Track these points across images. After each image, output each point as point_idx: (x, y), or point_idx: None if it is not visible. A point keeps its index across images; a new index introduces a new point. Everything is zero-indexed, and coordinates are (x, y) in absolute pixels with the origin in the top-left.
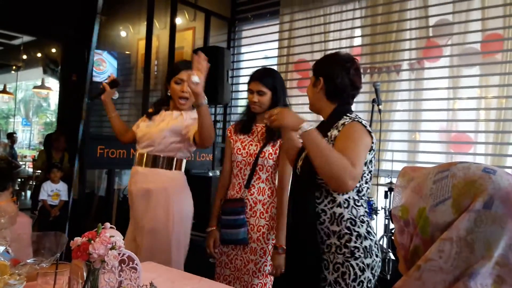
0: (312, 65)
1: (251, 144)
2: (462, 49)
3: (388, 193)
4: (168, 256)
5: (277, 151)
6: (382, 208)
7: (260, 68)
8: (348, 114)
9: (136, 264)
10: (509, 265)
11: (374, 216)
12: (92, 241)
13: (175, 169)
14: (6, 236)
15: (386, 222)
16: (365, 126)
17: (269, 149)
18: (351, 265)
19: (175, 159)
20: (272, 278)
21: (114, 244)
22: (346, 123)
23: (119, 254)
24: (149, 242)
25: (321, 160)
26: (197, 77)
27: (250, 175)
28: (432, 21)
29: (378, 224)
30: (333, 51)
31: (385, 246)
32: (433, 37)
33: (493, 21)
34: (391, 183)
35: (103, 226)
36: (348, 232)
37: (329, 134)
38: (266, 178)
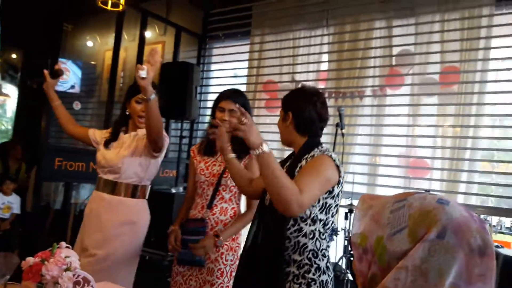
0: (279, 89)
1: (215, 165)
2: (422, 78)
3: (348, 214)
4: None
5: None
6: (342, 229)
7: (229, 88)
8: (319, 147)
9: (92, 286)
10: None
11: (334, 237)
12: (46, 262)
13: (138, 197)
14: None
15: (346, 243)
16: (334, 160)
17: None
18: None
19: (139, 186)
20: None
21: (69, 265)
22: (315, 155)
23: (74, 275)
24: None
25: (271, 182)
26: (144, 72)
27: (213, 195)
28: (395, 50)
29: (338, 245)
30: (300, 85)
31: (343, 266)
32: (396, 66)
33: (451, 54)
34: (351, 204)
35: (58, 246)
36: (309, 263)
37: (299, 164)
38: (229, 198)
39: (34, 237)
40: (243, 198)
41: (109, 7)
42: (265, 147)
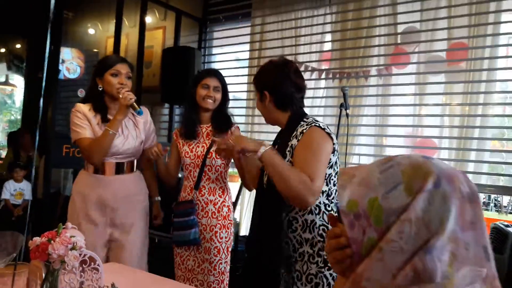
0: (254, 81)
1: (198, 146)
2: (428, 56)
3: None
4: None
5: None
6: None
7: (208, 68)
8: (304, 119)
9: (98, 265)
10: (457, 240)
11: None
12: (52, 241)
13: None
14: None
15: None
16: (324, 129)
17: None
18: (325, 276)
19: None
20: (228, 275)
21: (74, 244)
22: (305, 130)
23: (80, 254)
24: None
25: (280, 180)
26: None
27: (199, 177)
28: (400, 28)
29: None
30: (269, 59)
31: None
32: (401, 44)
33: (458, 30)
34: None
35: (64, 226)
36: (321, 239)
37: (289, 143)
38: (216, 178)
39: (45, 222)
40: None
41: None
42: (262, 148)
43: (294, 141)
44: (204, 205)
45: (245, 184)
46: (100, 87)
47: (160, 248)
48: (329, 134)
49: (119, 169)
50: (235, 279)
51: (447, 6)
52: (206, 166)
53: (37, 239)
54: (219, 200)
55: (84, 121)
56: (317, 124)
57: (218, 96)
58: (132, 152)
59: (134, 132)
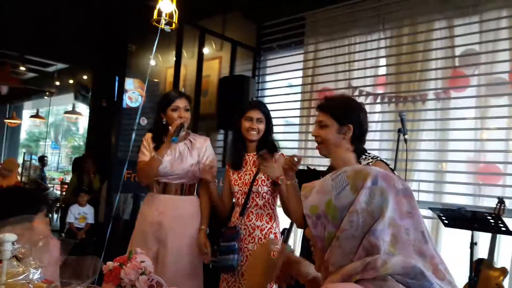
0: (328, 108)
1: (246, 174)
2: (489, 78)
3: None
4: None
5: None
6: None
7: (255, 99)
8: (366, 154)
9: None
10: (397, 226)
11: None
12: (124, 266)
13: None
14: (43, 259)
15: None
16: (388, 165)
17: (261, 176)
18: None
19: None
20: None
21: (144, 269)
22: (370, 163)
23: (148, 279)
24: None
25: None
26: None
27: (245, 203)
28: (458, 50)
29: None
30: (347, 95)
31: None
32: (460, 67)
33: None
34: None
35: (134, 252)
36: None
37: None
38: (263, 204)
39: (106, 245)
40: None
41: (162, 26)
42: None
43: None
44: (251, 230)
45: (286, 214)
46: (164, 121)
47: (209, 274)
48: (392, 170)
49: (167, 189)
50: None
51: (508, 27)
52: (253, 192)
53: (110, 264)
54: (266, 227)
55: (147, 148)
56: (382, 159)
57: (262, 126)
58: (180, 174)
59: (186, 156)
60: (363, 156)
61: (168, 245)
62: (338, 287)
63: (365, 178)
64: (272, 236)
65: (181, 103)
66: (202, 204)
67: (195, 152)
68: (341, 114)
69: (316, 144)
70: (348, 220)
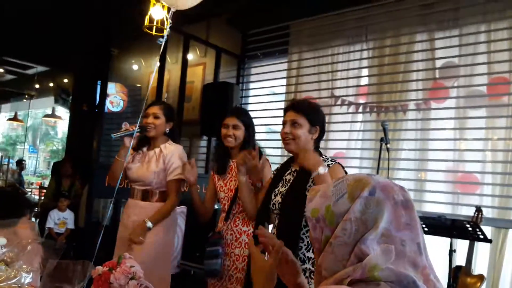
0: (302, 110)
1: (231, 180)
2: (468, 91)
3: None
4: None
5: None
6: None
7: (235, 106)
8: (323, 156)
9: None
10: (391, 236)
11: None
12: (113, 271)
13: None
14: (33, 263)
15: None
16: (343, 168)
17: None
18: None
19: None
20: None
21: (134, 274)
22: (330, 165)
23: (138, 284)
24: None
25: None
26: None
27: (230, 208)
28: (438, 63)
29: None
30: (316, 99)
31: None
32: (440, 79)
33: (499, 65)
34: None
35: (123, 256)
36: None
37: (310, 180)
38: None
39: (86, 251)
40: None
41: (153, 32)
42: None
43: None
44: (238, 235)
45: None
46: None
47: (195, 280)
48: (346, 173)
49: (134, 194)
50: None
51: (486, 41)
52: (238, 198)
53: (99, 268)
54: (252, 231)
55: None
56: (339, 162)
57: (238, 133)
58: (144, 181)
59: (152, 163)
60: (321, 158)
61: (134, 249)
62: None
63: (363, 188)
64: None
65: (151, 109)
66: (159, 206)
67: (161, 160)
68: (312, 116)
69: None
70: (341, 227)
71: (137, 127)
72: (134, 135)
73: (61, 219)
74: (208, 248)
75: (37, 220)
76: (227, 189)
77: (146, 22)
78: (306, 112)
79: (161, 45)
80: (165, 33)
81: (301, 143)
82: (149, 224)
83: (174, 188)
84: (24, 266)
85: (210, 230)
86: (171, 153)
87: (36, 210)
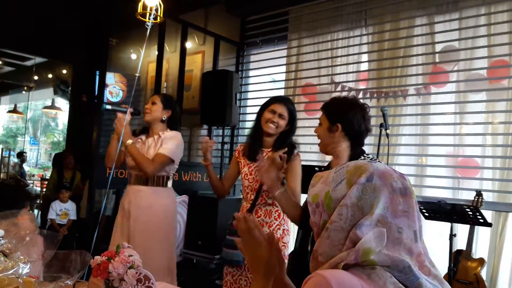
0: (324, 107)
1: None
2: (468, 75)
3: None
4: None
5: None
6: None
7: (279, 95)
8: (364, 155)
9: (152, 283)
10: (387, 223)
11: None
12: (112, 260)
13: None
14: (32, 254)
15: None
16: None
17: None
18: None
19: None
20: None
21: (132, 263)
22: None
23: (136, 273)
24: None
25: None
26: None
27: (254, 200)
28: (438, 47)
29: None
30: (342, 95)
31: None
32: (440, 63)
33: (499, 48)
34: None
35: (121, 246)
36: None
37: None
38: (272, 202)
39: (88, 241)
40: None
41: (147, 19)
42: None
43: None
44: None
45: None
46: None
47: (198, 268)
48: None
49: (131, 180)
50: None
51: (487, 24)
52: (263, 190)
53: (98, 258)
54: (274, 223)
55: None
56: (381, 162)
57: (282, 123)
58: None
59: (150, 149)
60: (362, 157)
61: (136, 236)
62: (327, 273)
63: (361, 174)
64: (280, 232)
65: (152, 98)
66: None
67: (158, 145)
68: (331, 113)
69: None
70: (337, 213)
71: (133, 109)
72: (127, 114)
73: (63, 210)
74: (229, 237)
75: (40, 212)
76: (252, 179)
77: (140, 9)
78: (326, 109)
79: (149, 29)
80: (159, 20)
81: (324, 143)
82: (129, 141)
83: (158, 159)
84: (21, 257)
85: (212, 220)
86: (169, 137)
87: (38, 202)
